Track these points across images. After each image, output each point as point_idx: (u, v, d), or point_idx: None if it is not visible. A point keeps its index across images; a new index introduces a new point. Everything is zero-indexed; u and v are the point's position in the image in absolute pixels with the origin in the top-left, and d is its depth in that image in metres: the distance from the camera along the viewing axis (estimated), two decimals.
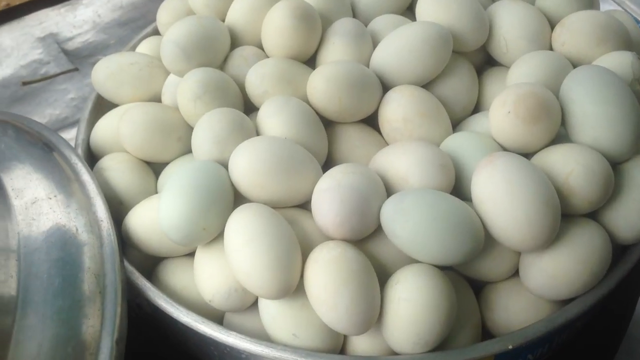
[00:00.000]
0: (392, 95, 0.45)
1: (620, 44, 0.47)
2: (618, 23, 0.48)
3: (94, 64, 0.51)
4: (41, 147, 0.42)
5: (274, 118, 0.43)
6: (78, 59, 0.77)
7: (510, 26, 0.49)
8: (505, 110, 0.41)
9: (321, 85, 0.44)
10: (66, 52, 0.78)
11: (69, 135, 0.68)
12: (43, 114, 0.70)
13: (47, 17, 0.83)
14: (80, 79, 0.74)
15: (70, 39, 0.80)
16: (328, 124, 0.46)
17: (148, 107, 0.46)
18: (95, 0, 0.87)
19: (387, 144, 0.46)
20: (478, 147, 0.42)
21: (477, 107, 0.50)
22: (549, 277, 0.39)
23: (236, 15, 0.50)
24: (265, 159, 0.39)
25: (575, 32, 0.47)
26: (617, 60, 0.44)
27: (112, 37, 0.81)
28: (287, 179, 0.40)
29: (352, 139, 0.46)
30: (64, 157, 0.41)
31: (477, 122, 0.47)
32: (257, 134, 0.44)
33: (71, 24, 0.83)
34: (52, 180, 0.39)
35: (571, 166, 0.39)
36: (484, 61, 0.52)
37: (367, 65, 0.48)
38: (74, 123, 0.69)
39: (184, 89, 0.45)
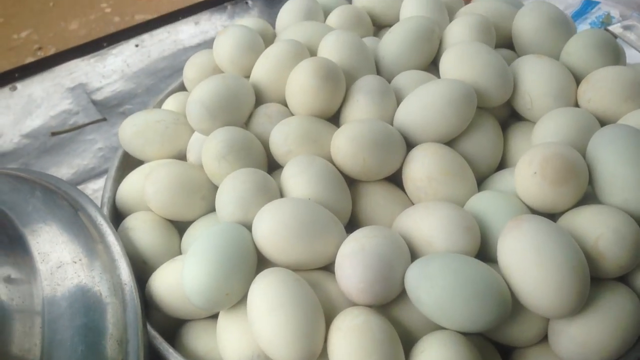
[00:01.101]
0: (416, 153, 0.45)
1: None
2: None
3: (122, 113, 0.52)
4: (68, 208, 0.42)
5: (298, 178, 0.43)
6: (106, 109, 0.79)
7: (534, 82, 0.49)
8: (531, 170, 0.41)
9: (345, 145, 0.44)
10: (95, 102, 0.79)
11: (96, 185, 0.69)
12: (71, 164, 0.71)
13: (77, 67, 0.86)
14: (107, 129, 0.75)
15: (99, 88, 0.82)
16: (352, 182, 0.46)
17: (173, 167, 0.46)
18: (125, 50, 0.89)
19: (411, 202, 0.46)
20: (504, 208, 0.42)
21: (502, 164, 0.50)
22: (580, 345, 0.38)
23: (261, 72, 0.51)
24: (289, 223, 0.39)
25: (601, 88, 0.47)
26: None
27: (140, 86, 0.83)
28: (311, 243, 0.39)
29: (376, 197, 0.46)
30: (90, 218, 0.42)
31: (502, 180, 0.46)
32: (281, 194, 0.44)
33: (100, 73, 0.85)
34: (78, 244, 0.39)
35: (600, 230, 0.38)
36: (509, 115, 0.52)
37: (391, 123, 0.48)
38: (101, 173, 0.70)
39: (208, 149, 0.45)
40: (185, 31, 0.93)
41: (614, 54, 0.50)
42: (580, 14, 0.87)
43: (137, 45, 0.90)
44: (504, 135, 0.50)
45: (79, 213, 0.42)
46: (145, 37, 0.92)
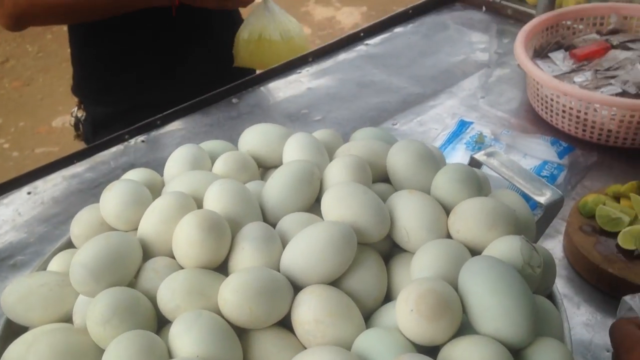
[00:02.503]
0: (302, 297, 0.47)
1: (509, 228, 0.50)
2: (505, 208, 0.51)
3: (13, 265, 0.50)
4: None
5: (185, 337, 0.43)
6: None
7: (409, 217, 0.52)
8: (408, 308, 0.43)
9: (231, 297, 0.45)
10: None
11: None
12: None
13: None
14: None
15: None
16: (243, 330, 0.46)
17: (56, 335, 0.45)
18: (16, 198, 0.88)
19: (302, 345, 0.47)
20: (389, 346, 0.43)
21: (390, 294, 0.52)
22: None
23: (147, 226, 0.52)
24: None
25: (467, 219, 0.51)
26: (507, 246, 0.48)
27: (31, 235, 0.81)
28: None
29: (267, 345, 0.46)
30: None
31: (388, 314, 0.48)
32: (170, 353, 0.44)
33: None
34: None
35: None
36: (391, 247, 0.55)
37: (278, 267, 0.49)
38: None
39: (92, 313, 0.44)
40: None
41: (477, 185, 0.55)
42: (456, 134, 0.95)
43: (29, 193, 0.89)
44: (389, 266, 0.53)
45: None
46: (39, 183, 0.91)
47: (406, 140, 0.59)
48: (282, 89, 1.15)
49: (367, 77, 1.17)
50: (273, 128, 0.63)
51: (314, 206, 0.56)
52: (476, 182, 0.54)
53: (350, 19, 3.26)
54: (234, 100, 1.11)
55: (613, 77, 0.96)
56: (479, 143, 0.91)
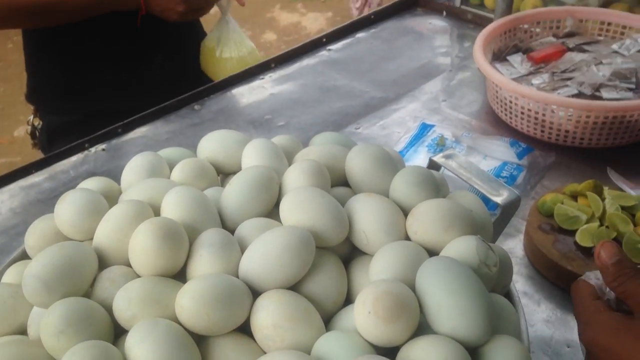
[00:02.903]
0: (260, 302, 0.46)
1: (466, 228, 0.51)
2: (461, 209, 0.52)
3: None
4: None
5: (141, 346, 0.42)
6: None
7: (367, 220, 0.52)
8: (366, 310, 0.43)
9: (188, 304, 0.44)
10: None
11: None
12: None
13: None
14: None
15: None
16: (202, 337, 0.46)
17: (10, 347, 0.44)
18: None
19: (262, 351, 0.46)
20: (347, 349, 0.43)
21: (350, 297, 0.52)
22: None
23: (103, 235, 0.51)
24: None
25: (424, 221, 0.51)
26: (464, 246, 0.48)
27: None
28: None
29: (226, 351, 0.46)
30: None
31: (348, 317, 0.48)
32: None
33: None
34: None
35: None
36: (351, 249, 0.55)
37: (236, 274, 0.49)
38: None
39: (46, 325, 0.43)
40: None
41: (434, 187, 0.55)
42: (418, 137, 0.96)
43: None
44: (349, 269, 0.53)
45: None
46: None
47: (364, 144, 0.59)
48: (245, 95, 1.15)
49: (330, 82, 1.18)
50: (231, 134, 0.63)
51: (273, 211, 0.56)
52: (433, 184, 0.55)
53: (315, 25, 3.27)
54: (197, 107, 1.11)
55: (569, 79, 0.98)
56: (440, 145, 0.92)
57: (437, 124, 1.00)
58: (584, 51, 1.05)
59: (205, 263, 0.48)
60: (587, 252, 0.74)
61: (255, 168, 0.56)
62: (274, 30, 3.24)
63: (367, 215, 0.52)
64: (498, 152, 0.90)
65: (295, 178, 0.56)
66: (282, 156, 0.60)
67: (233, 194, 0.54)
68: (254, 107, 1.11)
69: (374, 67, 1.22)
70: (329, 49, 1.29)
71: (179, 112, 1.10)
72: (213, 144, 0.63)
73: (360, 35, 1.33)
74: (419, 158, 0.91)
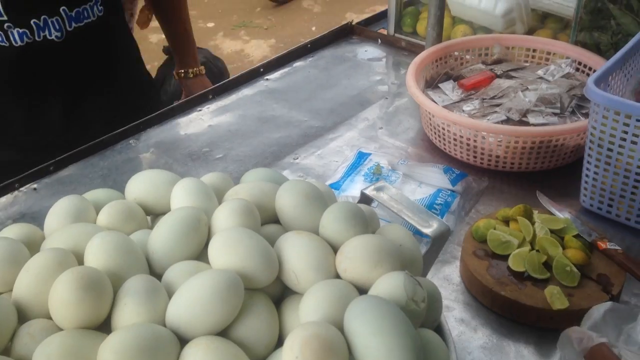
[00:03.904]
0: (188, 351, 0.45)
1: (394, 264, 0.51)
2: (390, 244, 0.53)
3: None
4: None
5: None
6: None
7: (297, 258, 0.52)
8: (293, 355, 0.43)
9: (110, 358, 0.43)
10: None
11: None
12: None
13: None
14: None
15: None
16: None
17: None
18: None
19: None
20: None
21: (283, 338, 0.51)
22: None
23: (23, 287, 0.49)
24: None
25: (353, 258, 0.51)
26: (391, 283, 0.49)
27: None
28: None
29: None
30: None
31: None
32: None
33: None
34: None
35: None
36: (284, 289, 0.55)
37: (163, 320, 0.48)
38: None
39: None
40: None
41: (363, 222, 0.55)
42: (355, 166, 0.97)
43: None
44: (281, 309, 0.53)
45: None
46: None
47: (293, 180, 0.59)
48: (183, 127, 1.14)
49: (268, 112, 1.18)
50: (160, 174, 0.62)
51: (203, 253, 0.55)
52: (362, 220, 0.55)
53: (259, 52, 3.28)
54: (132, 142, 1.09)
55: (498, 105, 1.01)
56: (376, 174, 0.93)
57: (373, 152, 1.01)
58: (511, 77, 1.08)
59: (130, 312, 0.47)
60: (520, 276, 0.75)
61: (183, 209, 0.55)
62: None
63: (297, 254, 0.52)
64: (433, 179, 0.92)
65: (224, 218, 0.55)
66: (211, 195, 0.59)
67: (160, 237, 0.54)
68: (192, 140, 1.10)
69: (312, 96, 1.23)
70: (267, 79, 1.29)
71: (114, 147, 1.08)
72: (142, 185, 0.62)
73: (297, 64, 1.34)
74: (356, 187, 0.91)
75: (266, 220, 0.59)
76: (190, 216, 0.55)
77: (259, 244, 0.51)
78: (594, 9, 1.05)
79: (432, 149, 1.04)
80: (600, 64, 0.85)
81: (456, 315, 0.75)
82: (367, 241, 0.52)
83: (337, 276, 0.52)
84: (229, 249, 0.51)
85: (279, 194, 0.58)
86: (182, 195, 0.58)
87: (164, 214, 0.61)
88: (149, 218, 0.62)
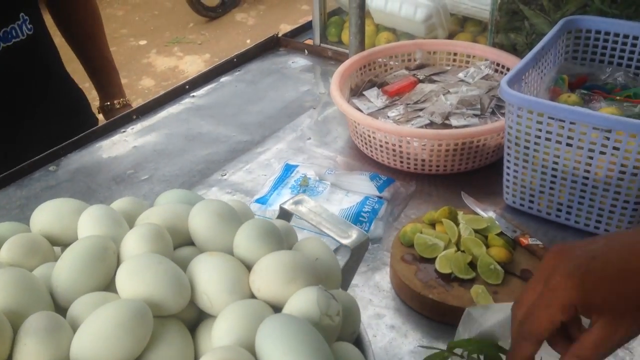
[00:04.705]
0: None
1: (309, 279, 0.50)
2: (304, 259, 0.52)
3: None
4: None
5: None
6: None
7: (209, 281, 0.51)
8: None
9: None
10: None
11: None
12: None
13: None
14: None
15: None
16: None
17: None
18: None
19: None
20: None
21: None
22: None
23: None
24: None
25: (266, 276, 0.50)
26: (304, 299, 0.48)
27: None
28: None
29: None
30: None
31: None
32: None
33: None
34: None
35: None
36: (199, 312, 0.53)
37: (68, 358, 0.45)
38: None
39: None
40: None
41: (277, 239, 0.54)
42: (282, 179, 0.96)
43: None
44: (197, 334, 0.51)
45: None
46: None
47: (206, 200, 0.58)
48: (105, 150, 1.11)
49: (195, 129, 1.16)
50: (67, 203, 0.60)
51: (113, 283, 0.53)
52: (276, 236, 0.54)
53: (193, 67, 3.25)
54: (52, 168, 1.05)
55: (421, 109, 1.02)
56: (303, 186, 0.93)
57: (301, 163, 1.00)
58: (433, 82, 1.10)
59: (29, 353, 0.45)
60: (447, 278, 0.76)
61: (89, 238, 0.53)
62: (151, 76, 3.17)
63: (209, 276, 0.51)
64: (360, 187, 0.92)
65: (133, 245, 0.53)
66: (121, 222, 0.57)
67: (64, 270, 0.51)
68: (116, 163, 1.07)
69: (240, 111, 1.21)
70: (193, 95, 1.27)
71: (32, 175, 1.04)
72: (47, 216, 0.59)
73: (224, 79, 1.33)
74: (284, 200, 0.90)
75: (181, 243, 0.57)
76: (96, 245, 0.52)
77: (169, 269, 0.50)
78: (509, 11, 1.08)
79: (361, 156, 1.04)
80: (516, 64, 0.87)
81: (387, 322, 0.75)
82: (280, 258, 0.51)
83: (252, 296, 0.51)
84: (137, 277, 0.49)
85: (192, 215, 0.56)
86: (89, 224, 0.56)
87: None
88: (58, 249, 0.59)
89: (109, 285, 0.53)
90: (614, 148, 0.75)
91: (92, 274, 0.51)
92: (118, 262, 0.53)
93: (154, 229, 0.54)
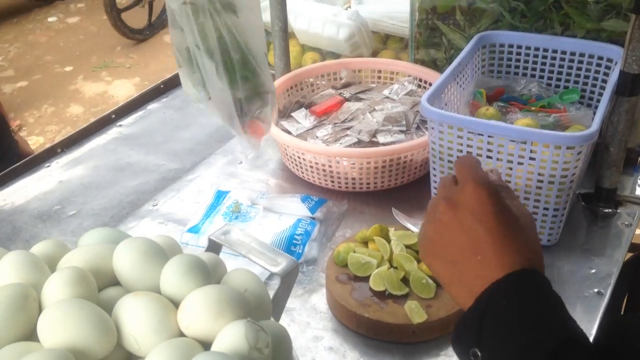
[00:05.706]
0: None
1: (238, 312, 0.50)
2: (231, 293, 0.51)
3: None
4: None
5: None
6: None
7: (135, 322, 0.50)
8: None
9: None
10: None
11: None
12: None
13: None
14: None
15: None
16: None
17: None
18: None
19: None
20: None
21: None
22: None
23: None
24: None
25: (193, 313, 0.50)
26: (232, 334, 0.47)
27: None
28: None
29: None
30: None
31: None
32: None
33: None
34: None
35: None
36: (129, 355, 0.52)
37: None
38: None
39: None
40: None
41: (204, 274, 0.54)
42: (214, 206, 0.95)
43: None
44: None
45: None
46: None
47: (130, 238, 0.57)
48: (29, 187, 1.07)
49: (123, 159, 1.14)
50: None
51: (36, 332, 0.51)
52: (203, 271, 0.54)
53: (123, 92, 3.18)
54: None
55: (349, 128, 1.03)
56: (235, 212, 0.92)
57: (233, 188, 1.00)
58: (360, 100, 1.12)
59: None
60: (382, 295, 0.77)
61: (7, 287, 0.51)
62: (79, 103, 3.09)
63: (135, 318, 0.50)
64: (292, 209, 0.92)
65: (54, 290, 0.52)
66: (42, 267, 0.56)
67: None
68: (40, 200, 1.04)
69: (169, 138, 1.20)
70: (120, 125, 1.25)
71: None
72: None
73: (151, 106, 1.31)
74: (217, 228, 0.89)
75: (106, 284, 0.56)
76: (15, 294, 0.51)
77: (92, 314, 0.49)
78: (427, 28, 1.11)
79: (293, 178, 1.05)
80: (437, 79, 0.90)
81: (325, 344, 0.76)
82: (206, 293, 0.51)
83: (181, 334, 0.50)
84: (58, 324, 0.48)
85: (116, 254, 0.55)
86: (8, 271, 0.54)
87: None
88: None
89: (31, 335, 0.51)
90: (530, 158, 0.79)
91: (12, 325, 0.49)
92: (40, 310, 0.52)
93: (76, 272, 0.53)
